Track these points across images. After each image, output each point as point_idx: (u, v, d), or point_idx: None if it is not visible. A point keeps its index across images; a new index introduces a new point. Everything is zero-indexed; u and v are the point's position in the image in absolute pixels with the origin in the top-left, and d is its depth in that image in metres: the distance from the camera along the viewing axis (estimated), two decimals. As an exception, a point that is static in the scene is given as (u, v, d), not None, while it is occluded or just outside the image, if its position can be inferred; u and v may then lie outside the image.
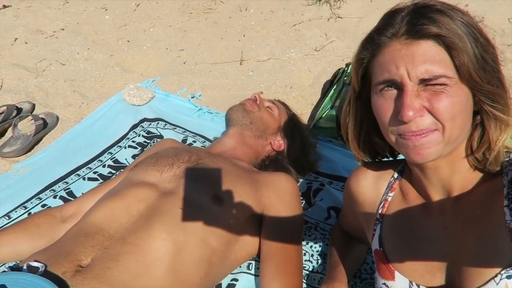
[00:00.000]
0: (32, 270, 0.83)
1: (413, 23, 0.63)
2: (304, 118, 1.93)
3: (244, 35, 2.77)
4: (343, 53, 2.38)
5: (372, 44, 0.69)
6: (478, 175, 0.72)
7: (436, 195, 0.76)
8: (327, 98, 1.83)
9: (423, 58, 0.62)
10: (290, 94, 2.16)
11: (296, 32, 2.68)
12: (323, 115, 1.78)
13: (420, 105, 0.63)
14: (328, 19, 2.72)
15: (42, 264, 0.84)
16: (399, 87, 0.65)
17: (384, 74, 0.66)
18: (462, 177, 0.72)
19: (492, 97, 0.64)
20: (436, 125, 0.64)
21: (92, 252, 0.88)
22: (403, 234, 0.79)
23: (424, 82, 0.63)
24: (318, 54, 2.44)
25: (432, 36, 0.62)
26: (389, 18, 0.67)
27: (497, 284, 0.61)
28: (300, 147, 1.48)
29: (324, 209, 1.37)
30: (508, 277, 0.60)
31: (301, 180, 1.50)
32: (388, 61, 0.65)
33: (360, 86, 0.76)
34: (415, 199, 0.80)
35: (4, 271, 0.98)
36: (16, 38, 2.73)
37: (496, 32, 2.29)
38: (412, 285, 0.73)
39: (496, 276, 0.61)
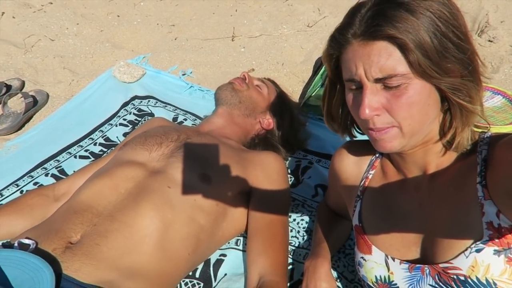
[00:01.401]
0: (23, 247, 0.85)
1: (369, 24, 0.63)
2: (296, 95, 1.93)
3: (236, 10, 2.72)
4: (336, 29, 2.36)
5: (336, 43, 0.70)
6: (453, 155, 0.74)
7: (412, 174, 0.79)
8: (318, 76, 1.82)
9: (377, 59, 0.63)
10: (282, 71, 2.14)
11: (288, 7, 2.64)
12: (314, 93, 1.78)
13: (378, 103, 0.66)
14: (322, -6, 2.68)
15: (33, 241, 0.86)
16: (360, 85, 0.67)
17: (348, 72, 0.69)
18: (437, 157, 0.75)
19: (454, 87, 0.64)
20: (393, 123, 0.67)
21: (81, 229, 0.90)
22: (381, 210, 0.83)
23: (380, 80, 0.64)
24: (310, 30, 2.41)
25: (385, 37, 0.62)
26: (350, 17, 0.67)
27: (467, 257, 0.64)
28: (289, 126, 1.49)
29: (311, 186, 1.39)
30: (477, 250, 0.63)
31: (290, 158, 1.52)
32: (350, 59, 0.67)
33: (335, 76, 0.78)
34: (393, 176, 0.83)
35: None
36: (3, 12, 2.67)
37: (490, 8, 2.27)
38: (388, 258, 0.77)
39: (466, 249, 0.64)
